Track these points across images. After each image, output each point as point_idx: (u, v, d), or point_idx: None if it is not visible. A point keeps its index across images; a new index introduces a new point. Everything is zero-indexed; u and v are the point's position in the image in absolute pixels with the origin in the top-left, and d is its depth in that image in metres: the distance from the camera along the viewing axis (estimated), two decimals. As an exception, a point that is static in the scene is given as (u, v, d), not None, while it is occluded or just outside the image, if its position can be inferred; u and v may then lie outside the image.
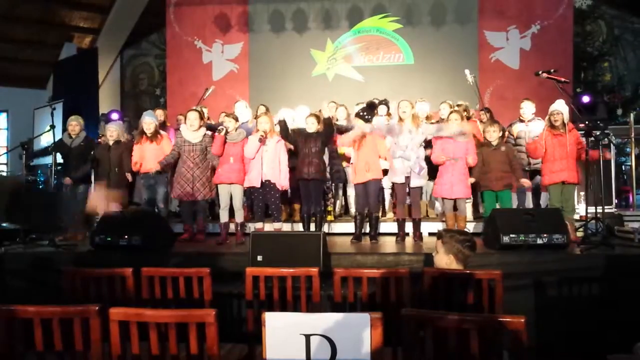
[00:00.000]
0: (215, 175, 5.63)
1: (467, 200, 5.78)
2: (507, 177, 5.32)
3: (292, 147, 5.60)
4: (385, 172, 5.52)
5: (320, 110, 5.84)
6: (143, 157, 5.89)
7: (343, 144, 5.56)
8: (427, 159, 5.41)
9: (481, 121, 6.64)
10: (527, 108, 6.08)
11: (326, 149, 5.88)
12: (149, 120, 5.88)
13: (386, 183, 6.18)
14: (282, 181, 5.38)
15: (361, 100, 7.14)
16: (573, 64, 8.90)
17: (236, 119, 5.79)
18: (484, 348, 1.81)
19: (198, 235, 5.74)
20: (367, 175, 5.23)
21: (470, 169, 5.44)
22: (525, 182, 5.45)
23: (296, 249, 4.05)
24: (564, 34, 8.96)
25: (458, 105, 6.29)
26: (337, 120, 6.65)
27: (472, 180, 5.39)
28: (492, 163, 5.35)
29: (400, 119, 5.28)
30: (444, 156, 5.28)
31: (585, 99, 8.08)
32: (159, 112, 6.73)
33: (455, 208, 5.44)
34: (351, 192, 6.25)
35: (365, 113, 5.40)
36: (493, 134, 5.43)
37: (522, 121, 6.14)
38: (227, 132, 5.47)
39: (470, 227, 5.61)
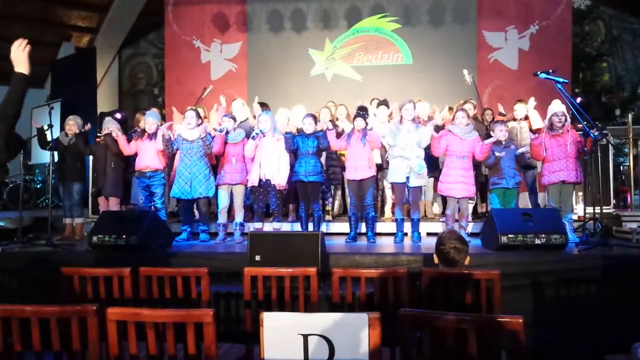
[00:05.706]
0: (217, 176, 5.62)
1: (470, 201, 5.79)
2: (517, 175, 5.39)
3: None
4: (379, 167, 5.53)
5: (318, 112, 5.83)
6: (140, 153, 5.80)
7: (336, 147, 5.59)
8: (427, 159, 5.41)
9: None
10: (520, 110, 6.20)
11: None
12: (150, 120, 5.84)
13: (386, 183, 6.19)
14: (280, 179, 5.33)
15: (360, 101, 7.13)
16: (572, 64, 8.88)
17: (234, 119, 5.79)
18: (482, 348, 1.81)
19: (202, 234, 5.70)
20: (362, 172, 5.23)
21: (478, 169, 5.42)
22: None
23: (294, 249, 4.04)
24: (563, 34, 8.94)
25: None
26: (337, 119, 6.65)
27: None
28: (503, 161, 5.36)
29: (402, 119, 5.28)
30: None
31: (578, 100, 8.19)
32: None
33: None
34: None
35: (364, 112, 5.42)
36: (502, 133, 5.44)
37: (514, 120, 6.24)
38: (262, 134, 5.39)
39: (470, 227, 5.61)
